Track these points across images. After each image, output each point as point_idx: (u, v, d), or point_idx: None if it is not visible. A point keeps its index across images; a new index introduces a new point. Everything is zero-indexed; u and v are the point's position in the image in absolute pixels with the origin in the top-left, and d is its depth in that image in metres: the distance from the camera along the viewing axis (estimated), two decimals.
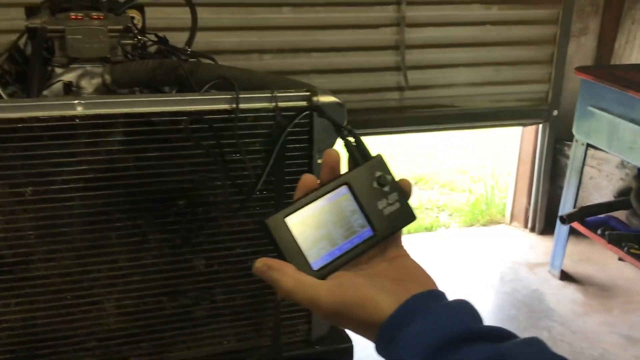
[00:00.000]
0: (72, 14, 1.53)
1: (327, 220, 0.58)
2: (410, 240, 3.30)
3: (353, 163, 0.61)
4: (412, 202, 0.62)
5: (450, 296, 0.56)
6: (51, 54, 1.47)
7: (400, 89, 2.92)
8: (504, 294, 2.83)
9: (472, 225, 3.56)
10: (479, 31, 2.95)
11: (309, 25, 2.73)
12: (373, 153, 0.63)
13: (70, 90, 1.41)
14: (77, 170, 1.07)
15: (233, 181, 1.08)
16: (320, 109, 0.61)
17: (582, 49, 3.23)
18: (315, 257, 0.57)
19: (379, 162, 0.61)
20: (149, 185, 1.10)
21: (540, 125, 3.23)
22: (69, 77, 1.42)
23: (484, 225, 3.54)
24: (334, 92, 2.81)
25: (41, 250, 1.08)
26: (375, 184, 0.60)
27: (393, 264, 0.59)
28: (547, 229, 3.34)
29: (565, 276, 2.96)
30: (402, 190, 0.61)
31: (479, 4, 2.91)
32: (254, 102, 1.11)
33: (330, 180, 0.59)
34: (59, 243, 1.09)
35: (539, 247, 3.25)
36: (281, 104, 1.12)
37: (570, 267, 3.03)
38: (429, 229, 3.53)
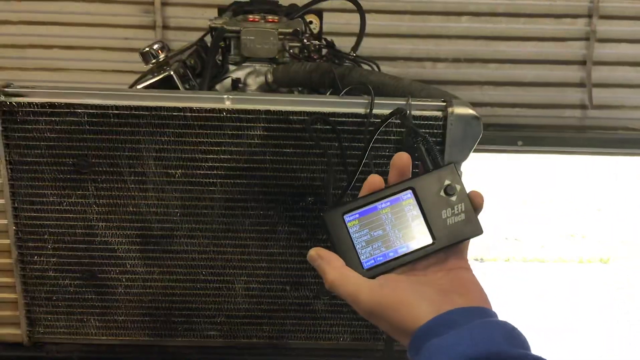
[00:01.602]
0: (251, 16, 1.66)
1: (386, 222, 0.58)
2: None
3: (423, 169, 0.61)
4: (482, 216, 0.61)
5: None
6: (228, 52, 1.61)
7: (583, 107, 2.74)
8: None
9: None
10: None
11: (488, 36, 2.67)
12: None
13: (237, 86, 1.54)
14: (222, 159, 1.16)
15: (354, 185, 1.11)
16: (402, 112, 0.62)
17: None
18: (368, 256, 0.58)
19: (450, 170, 0.60)
20: (281, 179, 1.16)
21: None
22: (239, 74, 1.55)
23: None
24: (509, 106, 2.74)
25: (184, 228, 1.20)
26: (442, 192, 0.60)
27: (449, 274, 0.58)
28: None
29: None
30: (472, 202, 0.60)
31: None
32: (388, 108, 1.13)
33: (397, 183, 0.59)
34: (200, 223, 1.20)
35: None
36: (415, 112, 1.13)
37: None
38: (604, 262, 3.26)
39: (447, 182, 0.60)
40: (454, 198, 0.60)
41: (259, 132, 1.15)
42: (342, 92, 1.27)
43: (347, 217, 0.58)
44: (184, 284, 1.23)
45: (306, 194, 1.17)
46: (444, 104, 1.14)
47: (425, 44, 2.65)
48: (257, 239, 1.21)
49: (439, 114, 1.14)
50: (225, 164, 1.17)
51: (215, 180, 1.18)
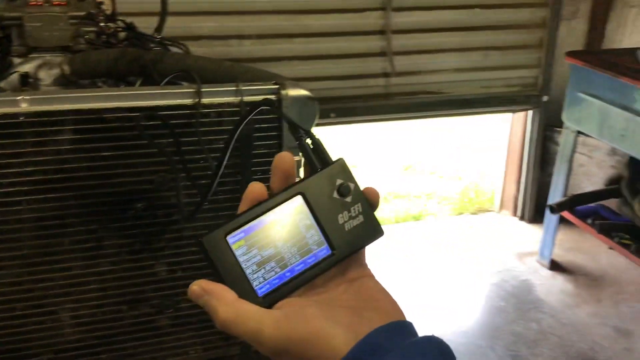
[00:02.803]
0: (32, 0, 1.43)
1: (276, 237, 0.49)
2: (399, 230, 3.24)
3: (310, 169, 0.52)
4: (380, 212, 0.54)
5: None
6: (10, 43, 1.38)
7: (386, 75, 2.83)
8: (492, 285, 2.77)
9: (461, 213, 3.50)
10: (467, 14, 2.86)
11: (291, 10, 2.64)
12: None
13: (27, 82, 1.31)
14: (25, 172, 0.98)
15: (194, 182, 1.00)
16: (272, 104, 0.53)
17: (572, 33, 3.14)
18: (262, 281, 0.48)
19: (341, 167, 0.52)
20: (103, 187, 1.01)
21: (530, 112, 3.15)
22: (27, 67, 1.33)
23: (473, 213, 3.47)
24: (317, 79, 2.72)
25: None
26: (335, 194, 0.52)
27: (353, 286, 0.51)
28: (536, 217, 3.28)
29: (554, 266, 2.90)
30: (368, 201, 0.53)
31: None
32: (218, 96, 1.03)
33: (282, 190, 0.50)
34: (7, 250, 1.00)
35: (528, 236, 3.19)
36: (247, 99, 1.04)
37: (560, 256, 2.97)
38: (417, 218, 3.47)
39: (339, 181, 0.52)
40: (349, 199, 0.52)
41: (68, 137, 0.98)
42: (164, 82, 1.14)
43: (230, 239, 0.48)
44: None
45: (134, 200, 1.03)
46: (277, 86, 1.06)
47: (230, 20, 2.55)
48: (81, 259, 1.04)
49: (272, 97, 1.06)
50: (30, 178, 0.99)
51: (19, 199, 0.99)
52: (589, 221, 2.64)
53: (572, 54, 2.57)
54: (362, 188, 0.53)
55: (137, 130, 0.95)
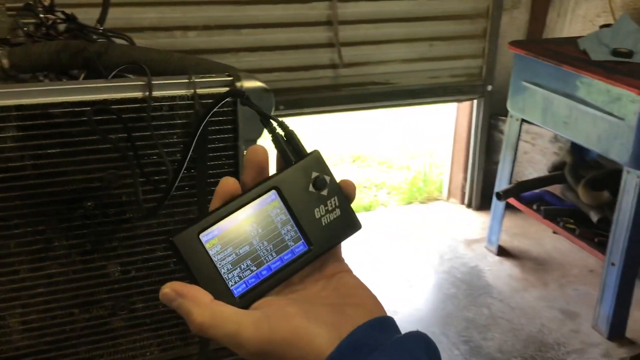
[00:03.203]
0: None
1: (251, 234, 0.47)
2: None
3: (284, 162, 0.50)
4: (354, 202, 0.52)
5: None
6: None
7: (334, 66, 2.83)
8: (443, 273, 2.81)
9: (410, 202, 3.53)
10: (413, 5, 2.88)
11: (237, 0, 2.59)
12: (309, 148, 0.52)
13: None
14: None
15: (148, 178, 0.96)
16: (242, 95, 0.50)
17: (514, 23, 3.20)
18: (237, 281, 0.46)
19: (316, 159, 0.50)
20: (50, 185, 0.96)
21: (475, 101, 3.21)
22: None
23: (422, 202, 3.52)
24: (265, 71, 2.69)
25: None
26: (311, 187, 0.50)
27: (332, 283, 0.49)
28: (483, 205, 3.34)
29: (502, 252, 2.96)
30: (344, 193, 0.51)
31: None
32: (170, 88, 0.99)
33: (256, 185, 0.48)
34: None
35: (476, 223, 3.25)
36: (200, 91, 1.01)
37: (506, 242, 3.04)
38: (367, 209, 3.48)
39: (314, 174, 0.50)
40: (325, 192, 0.50)
41: (11, 134, 0.93)
42: (112, 75, 1.09)
43: (203, 237, 0.46)
44: None
45: (84, 198, 0.99)
46: (231, 78, 1.03)
47: (174, 11, 2.48)
48: (28, 261, 0.99)
49: (226, 90, 1.03)
50: None
51: None
52: (535, 207, 2.71)
53: (515, 44, 2.63)
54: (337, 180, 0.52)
55: (89, 126, 0.91)
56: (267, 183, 0.48)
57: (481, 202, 3.36)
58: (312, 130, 4.38)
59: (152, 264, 1.07)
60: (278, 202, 0.48)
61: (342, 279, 0.49)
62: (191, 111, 1.00)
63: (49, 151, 0.95)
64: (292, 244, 0.49)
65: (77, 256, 1.02)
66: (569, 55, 2.40)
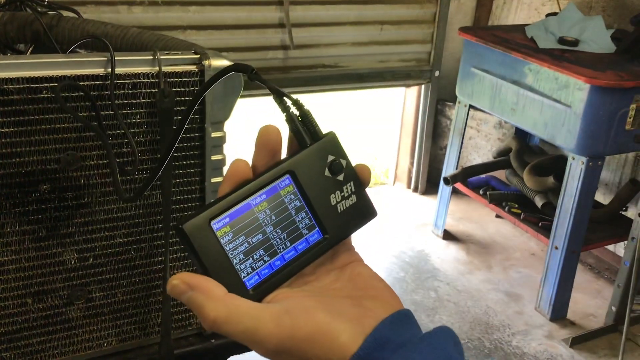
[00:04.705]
0: None
1: (264, 222, 0.44)
2: None
3: (298, 144, 0.47)
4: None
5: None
6: None
7: (285, 47, 2.78)
8: (391, 257, 2.83)
9: None
10: None
11: None
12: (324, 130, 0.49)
13: None
14: None
15: (113, 160, 0.91)
16: (250, 69, 0.47)
17: (461, 9, 3.24)
18: (250, 272, 0.43)
19: (332, 142, 0.47)
20: (2, 167, 0.89)
21: (423, 86, 3.23)
22: None
23: (369, 187, 3.52)
24: (215, 50, 2.61)
25: None
26: (327, 172, 0.47)
27: (345, 273, 0.46)
28: (429, 189, 3.38)
29: (447, 235, 3.01)
30: (360, 179, 0.48)
31: None
32: (133, 65, 0.94)
33: (269, 169, 0.45)
34: None
35: (422, 207, 3.29)
36: (165, 69, 0.95)
37: (452, 226, 3.09)
38: None
39: (330, 157, 0.47)
40: (341, 177, 0.47)
41: None
42: (70, 49, 1.02)
43: (215, 225, 0.42)
44: None
45: (40, 181, 0.92)
46: (198, 56, 0.98)
47: None
48: None
49: (193, 68, 0.98)
50: None
51: None
52: (481, 192, 2.76)
53: (465, 30, 2.65)
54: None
55: (58, 103, 0.84)
56: (281, 166, 0.45)
57: (427, 186, 3.40)
58: (260, 112, 4.32)
59: (111, 250, 1.01)
60: (292, 187, 0.45)
61: (356, 269, 0.47)
62: (155, 90, 0.94)
63: (2, 130, 0.88)
64: (307, 232, 0.46)
65: (31, 243, 0.95)
66: (518, 42, 2.44)
